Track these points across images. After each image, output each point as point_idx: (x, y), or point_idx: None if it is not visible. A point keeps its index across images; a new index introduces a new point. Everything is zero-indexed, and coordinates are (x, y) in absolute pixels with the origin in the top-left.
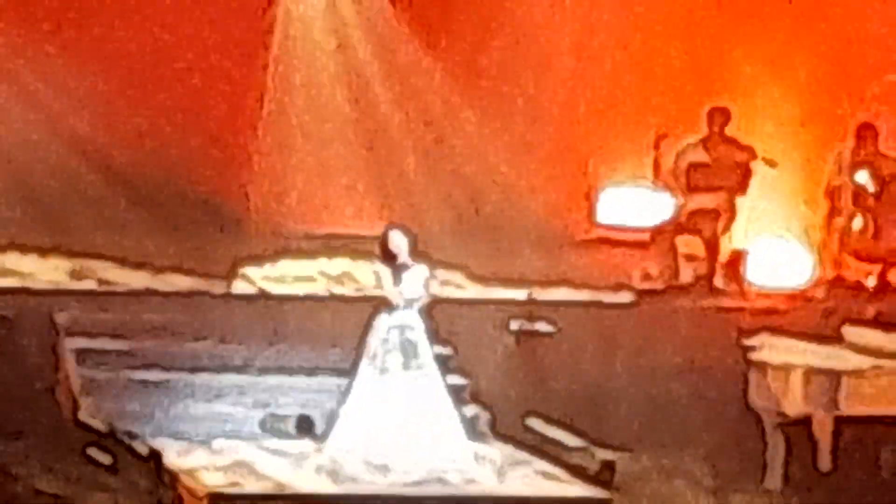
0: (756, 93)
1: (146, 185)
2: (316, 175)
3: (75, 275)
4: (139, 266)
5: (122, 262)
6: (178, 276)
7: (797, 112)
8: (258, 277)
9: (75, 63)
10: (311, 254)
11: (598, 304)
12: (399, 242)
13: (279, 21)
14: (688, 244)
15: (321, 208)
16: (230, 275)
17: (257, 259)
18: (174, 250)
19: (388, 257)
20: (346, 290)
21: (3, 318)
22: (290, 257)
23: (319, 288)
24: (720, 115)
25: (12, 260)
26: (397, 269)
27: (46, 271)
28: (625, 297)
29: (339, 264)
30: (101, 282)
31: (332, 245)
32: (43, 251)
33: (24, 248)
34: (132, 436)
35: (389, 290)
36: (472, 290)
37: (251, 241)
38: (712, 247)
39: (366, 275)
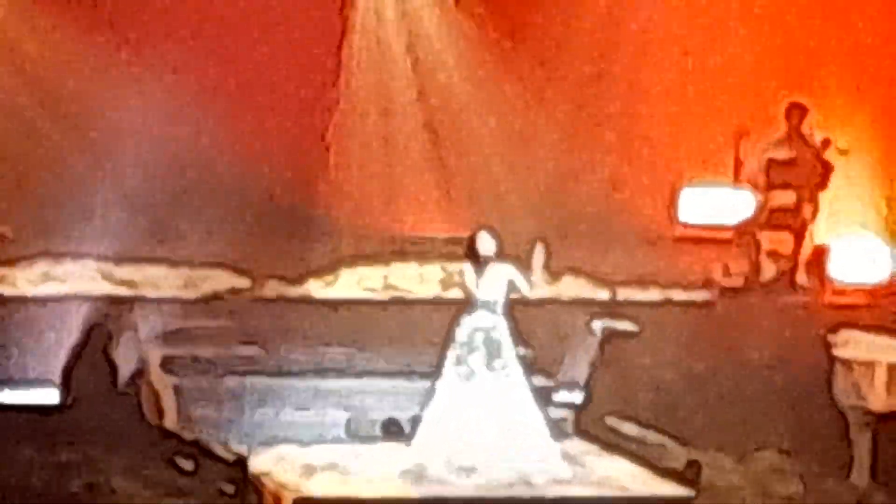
0: (833, 88)
1: (233, 194)
2: (392, 179)
3: (160, 283)
4: (224, 270)
5: (208, 266)
6: (264, 280)
7: (874, 106)
8: (330, 284)
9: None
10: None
11: (681, 303)
12: (488, 244)
13: (355, 24)
14: (771, 241)
15: (399, 213)
16: (310, 281)
17: (330, 267)
18: (258, 257)
19: (475, 258)
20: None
21: (98, 325)
22: (359, 264)
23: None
24: (797, 112)
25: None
26: (482, 269)
27: (148, 280)
28: (707, 294)
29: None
30: (185, 288)
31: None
32: (149, 260)
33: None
34: (217, 441)
35: (473, 291)
36: (554, 290)
37: (326, 248)
38: (796, 243)
39: (405, 279)
